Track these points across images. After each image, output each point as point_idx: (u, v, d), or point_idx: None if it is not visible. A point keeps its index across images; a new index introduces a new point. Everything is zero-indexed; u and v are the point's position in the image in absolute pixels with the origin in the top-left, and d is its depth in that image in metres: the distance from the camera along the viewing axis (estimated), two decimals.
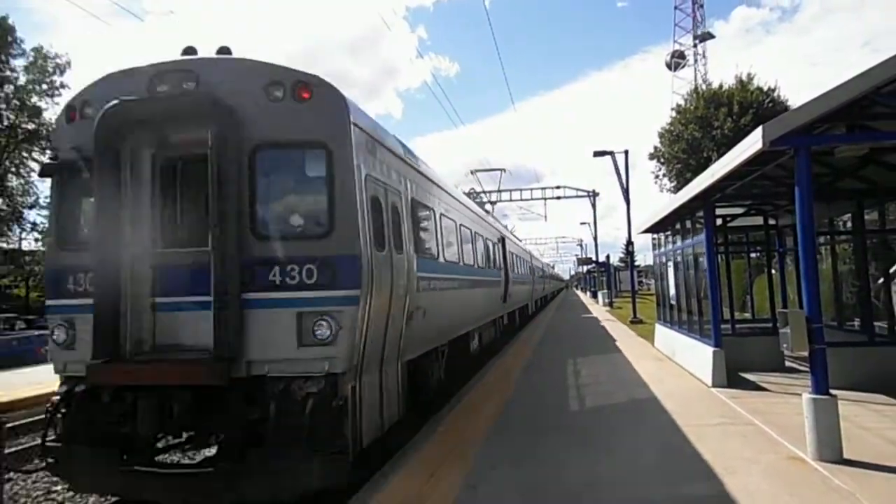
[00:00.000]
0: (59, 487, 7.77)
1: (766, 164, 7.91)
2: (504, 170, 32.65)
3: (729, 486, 5.47)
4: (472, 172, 35.15)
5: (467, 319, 11.85)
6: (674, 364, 13.41)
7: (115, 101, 5.66)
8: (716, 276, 11.38)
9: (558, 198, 44.61)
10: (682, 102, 44.37)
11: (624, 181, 30.64)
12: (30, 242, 50.39)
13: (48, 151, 6.18)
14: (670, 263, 15.17)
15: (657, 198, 48.25)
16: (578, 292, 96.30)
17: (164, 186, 6.08)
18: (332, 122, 5.81)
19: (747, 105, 37.55)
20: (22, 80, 41.12)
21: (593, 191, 45.35)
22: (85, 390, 5.66)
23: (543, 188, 44.97)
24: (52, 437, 5.71)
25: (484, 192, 38.73)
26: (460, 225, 11.36)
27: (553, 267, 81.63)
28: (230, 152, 5.54)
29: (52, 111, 42.69)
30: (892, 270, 11.15)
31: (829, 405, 6.17)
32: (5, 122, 40.62)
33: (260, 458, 5.23)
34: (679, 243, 13.71)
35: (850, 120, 6.98)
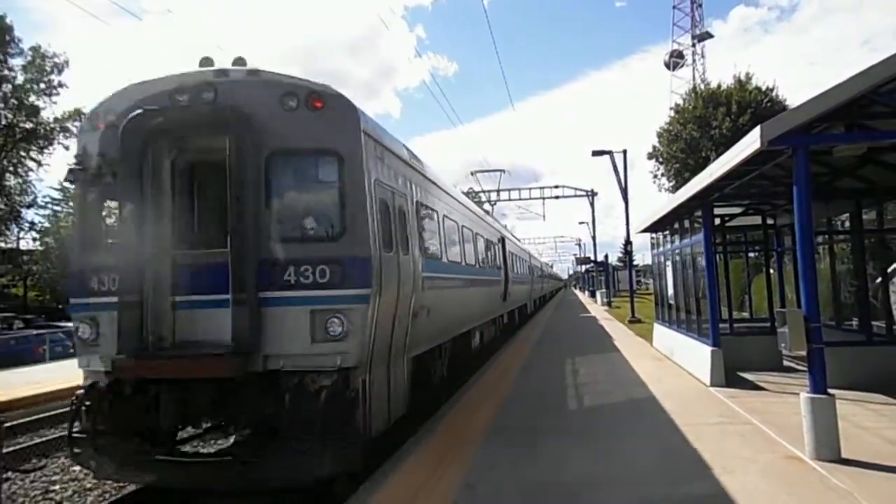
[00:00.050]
0: (56, 487, 7.78)
1: (765, 164, 7.91)
2: (504, 171, 32.73)
3: (727, 486, 5.47)
4: (472, 174, 35.22)
5: (469, 318, 12.12)
6: (672, 363, 13.42)
7: (139, 111, 5.96)
8: (714, 275, 11.38)
9: (557, 197, 44.60)
10: (680, 102, 44.28)
11: (622, 181, 30.63)
12: (27, 242, 50.39)
13: (72, 159, 6.44)
14: (669, 263, 15.19)
15: (656, 197, 48.33)
16: (577, 292, 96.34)
17: (181, 191, 6.41)
18: (343, 130, 6.09)
19: (746, 105, 37.56)
20: (20, 79, 41.08)
21: (592, 190, 45.35)
22: (108, 384, 5.93)
23: (542, 187, 44.95)
24: (78, 429, 5.96)
25: (483, 191, 38.79)
26: (462, 226, 11.64)
27: (552, 266, 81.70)
28: (247, 159, 5.85)
29: (49, 110, 42.76)
30: (889, 270, 11.16)
31: (827, 404, 6.18)
32: (3, 122, 40.57)
33: (276, 447, 5.54)
34: (677, 243, 13.72)
35: (849, 119, 6.98)
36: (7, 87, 40.36)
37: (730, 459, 6.23)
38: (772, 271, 14.26)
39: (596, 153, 30.46)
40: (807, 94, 8.44)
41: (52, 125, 43.00)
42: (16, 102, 40.74)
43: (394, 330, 6.85)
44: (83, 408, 5.97)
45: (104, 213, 6.67)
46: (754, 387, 10.10)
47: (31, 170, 44.40)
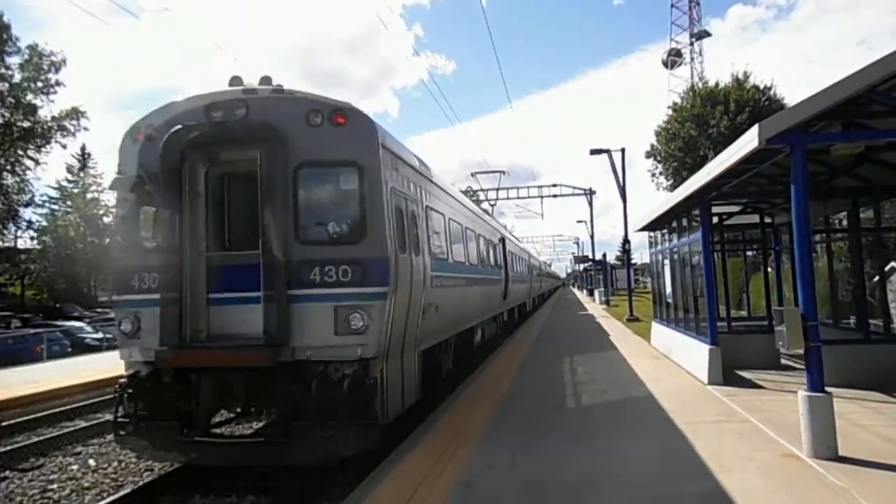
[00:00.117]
0: (54, 486, 7.77)
1: (762, 163, 7.92)
2: (504, 172, 32.62)
3: (725, 484, 5.49)
4: (472, 174, 35.25)
5: (472, 315, 12.72)
6: (670, 362, 13.44)
7: (178, 126, 6.48)
8: (712, 274, 11.38)
9: (555, 196, 44.72)
10: (678, 101, 44.25)
11: (621, 179, 30.60)
12: (25, 241, 50.37)
13: (115, 168, 7.09)
14: (667, 261, 15.19)
15: (654, 196, 48.38)
16: (575, 290, 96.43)
17: (214, 198, 7.01)
18: (363, 143, 6.68)
19: (743, 103, 37.64)
20: (17, 77, 41.01)
21: (590, 189, 45.48)
22: (149, 373, 6.52)
23: (540, 186, 45.18)
24: (122, 414, 6.53)
25: (482, 190, 38.77)
26: (465, 227, 12.19)
27: (550, 265, 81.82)
28: (277, 170, 6.43)
29: (47, 109, 42.70)
30: (887, 268, 11.19)
31: (824, 402, 6.19)
32: (0, 120, 40.46)
33: (304, 429, 6.09)
34: (675, 241, 13.73)
35: (846, 118, 6.99)
36: (4, 86, 40.31)
37: (727, 457, 6.24)
38: (769, 270, 14.26)
39: (594, 152, 30.43)
40: (804, 92, 8.45)
41: (49, 124, 42.97)
42: (13, 101, 40.68)
43: (407, 324, 7.39)
44: (126, 395, 6.54)
45: (142, 218, 7.21)
46: (752, 385, 10.12)
47: (28, 168, 44.45)
